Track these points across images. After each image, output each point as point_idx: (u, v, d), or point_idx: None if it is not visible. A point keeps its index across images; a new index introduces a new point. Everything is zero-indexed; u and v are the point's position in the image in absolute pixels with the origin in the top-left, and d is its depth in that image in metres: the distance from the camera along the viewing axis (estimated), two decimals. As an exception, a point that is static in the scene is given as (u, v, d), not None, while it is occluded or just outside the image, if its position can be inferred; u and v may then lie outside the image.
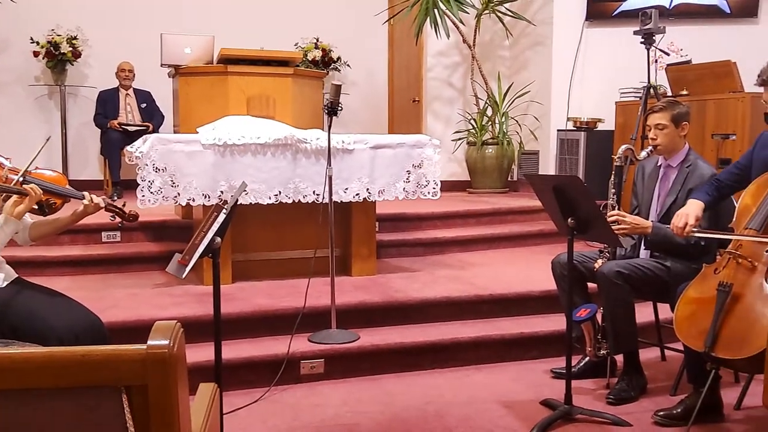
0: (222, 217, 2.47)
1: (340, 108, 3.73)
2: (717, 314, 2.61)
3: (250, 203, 4.09)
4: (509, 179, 7.71)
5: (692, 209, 3.04)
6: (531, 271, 4.62)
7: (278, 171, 4.13)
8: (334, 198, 4.04)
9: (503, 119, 7.47)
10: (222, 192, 4.00)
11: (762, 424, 2.98)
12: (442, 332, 3.80)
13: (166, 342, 1.22)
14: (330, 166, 3.78)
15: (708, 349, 2.59)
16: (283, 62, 5.36)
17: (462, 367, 3.71)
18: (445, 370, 3.68)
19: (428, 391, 3.39)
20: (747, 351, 2.50)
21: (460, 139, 7.72)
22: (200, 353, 3.23)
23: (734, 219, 2.88)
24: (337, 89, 3.71)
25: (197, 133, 4.16)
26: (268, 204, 4.14)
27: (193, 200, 4.00)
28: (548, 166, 7.23)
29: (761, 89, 3.01)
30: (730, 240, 2.82)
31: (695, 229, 2.97)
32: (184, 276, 2.44)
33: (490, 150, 7.42)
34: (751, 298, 2.61)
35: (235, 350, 3.44)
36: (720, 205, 3.20)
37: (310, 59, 8.06)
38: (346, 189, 4.28)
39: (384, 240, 5.13)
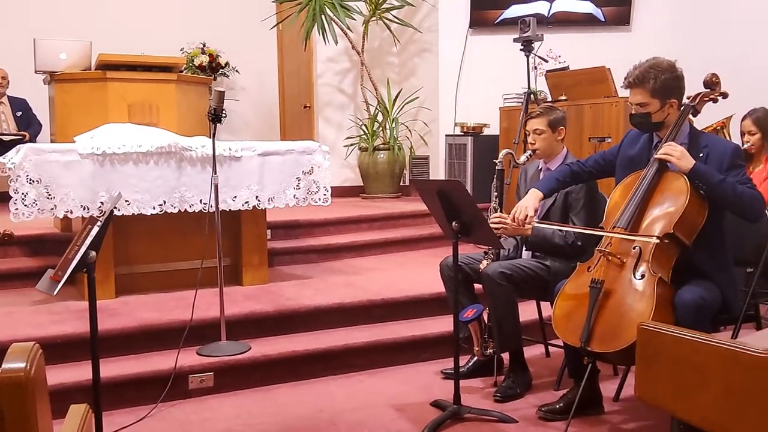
0: (96, 229, 2.38)
1: (224, 115, 3.66)
2: (590, 310, 2.73)
3: (133, 214, 3.95)
4: (401, 184, 7.81)
5: (530, 201, 3.20)
6: (422, 274, 4.68)
7: (162, 180, 4.01)
8: (223, 206, 3.97)
9: (393, 125, 7.57)
10: (102, 203, 3.85)
11: (638, 414, 3.14)
12: (334, 339, 3.79)
13: (22, 365, 1.16)
14: (216, 174, 3.71)
15: (584, 343, 2.71)
16: (166, 68, 5.20)
17: (355, 372, 3.72)
18: (338, 376, 3.68)
19: (321, 399, 3.38)
20: (618, 344, 2.63)
21: (352, 144, 7.76)
22: (81, 372, 3.10)
23: (604, 218, 3.01)
24: (221, 96, 3.64)
25: (74, 142, 3.99)
26: (152, 214, 4.01)
27: (71, 212, 3.82)
28: (438, 171, 7.37)
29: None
30: (602, 237, 2.97)
31: (536, 220, 3.17)
32: (55, 293, 2.32)
33: (382, 155, 7.50)
34: (621, 293, 2.75)
35: (119, 367, 3.31)
36: (593, 204, 3.36)
37: (196, 65, 7.89)
38: (235, 197, 4.21)
39: (276, 248, 5.08)
